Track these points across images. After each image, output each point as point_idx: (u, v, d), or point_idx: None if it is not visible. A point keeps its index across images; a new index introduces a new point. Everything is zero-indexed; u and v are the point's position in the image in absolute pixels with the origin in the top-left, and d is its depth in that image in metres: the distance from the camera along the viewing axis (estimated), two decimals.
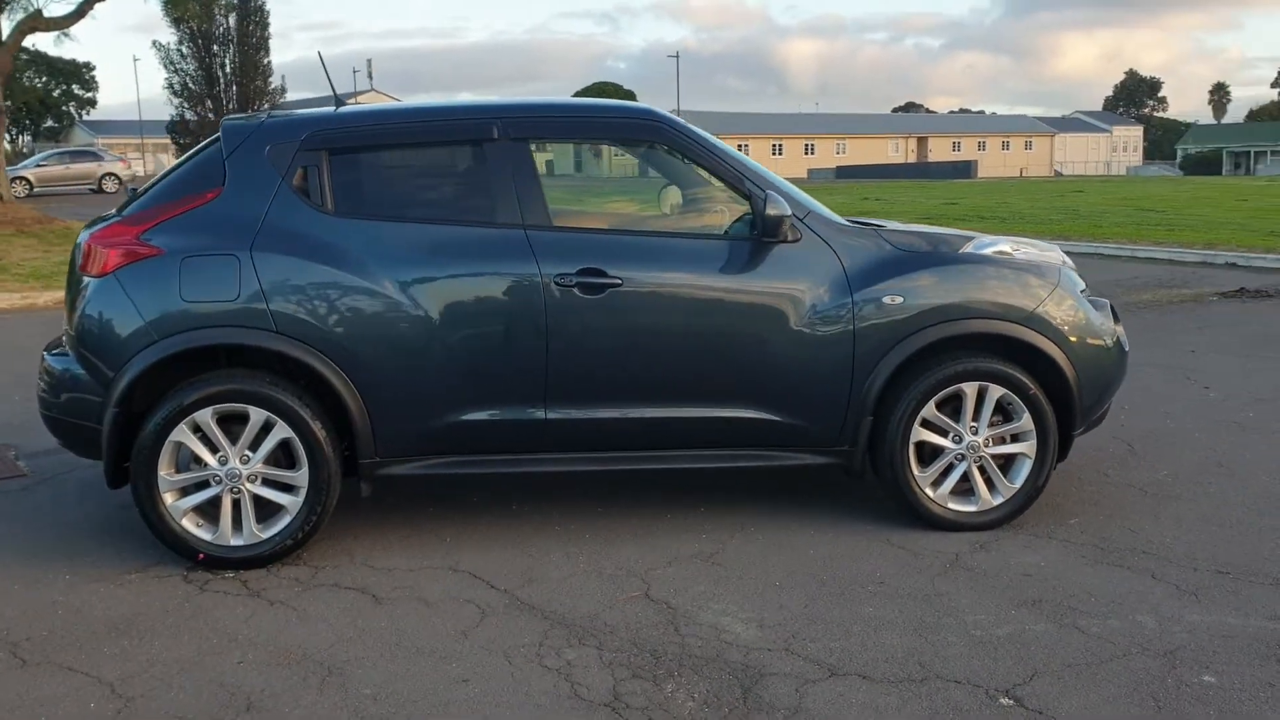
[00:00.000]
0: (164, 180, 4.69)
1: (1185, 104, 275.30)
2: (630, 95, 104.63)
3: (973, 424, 4.71)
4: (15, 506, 5.27)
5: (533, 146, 4.62)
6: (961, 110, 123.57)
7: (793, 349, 4.57)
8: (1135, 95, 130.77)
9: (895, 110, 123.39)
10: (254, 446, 4.37)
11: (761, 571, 4.34)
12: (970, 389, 4.68)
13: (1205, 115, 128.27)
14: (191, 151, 4.83)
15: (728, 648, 3.70)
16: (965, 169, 58.77)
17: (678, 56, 71.28)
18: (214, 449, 4.36)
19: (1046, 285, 4.76)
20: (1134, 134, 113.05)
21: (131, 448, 4.31)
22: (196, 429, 4.33)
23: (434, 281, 4.42)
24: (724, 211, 4.78)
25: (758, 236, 4.55)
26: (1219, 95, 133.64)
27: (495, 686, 3.46)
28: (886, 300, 4.60)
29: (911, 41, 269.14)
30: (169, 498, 4.35)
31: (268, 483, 4.41)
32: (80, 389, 4.39)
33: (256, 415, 4.33)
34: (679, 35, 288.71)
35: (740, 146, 78.07)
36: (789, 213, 4.49)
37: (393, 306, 4.38)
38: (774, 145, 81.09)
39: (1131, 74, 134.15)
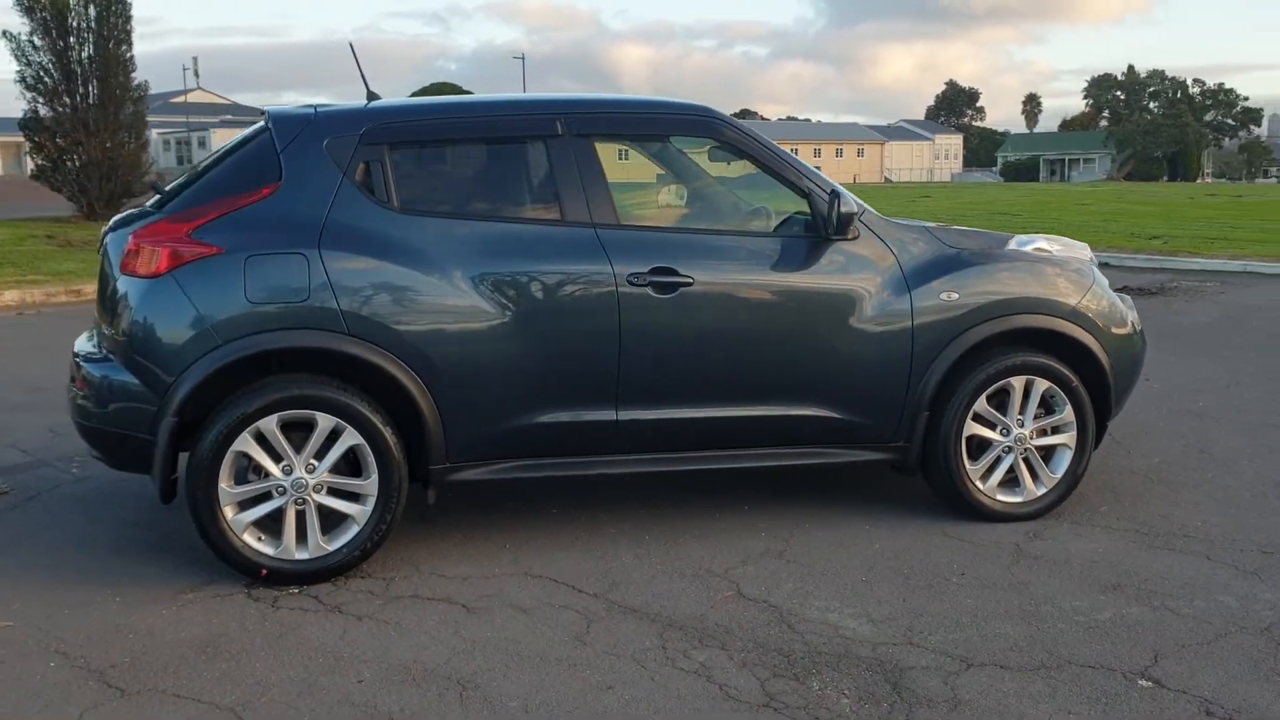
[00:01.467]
0: (206, 175, 4.42)
1: (999, 113, 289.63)
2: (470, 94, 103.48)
3: (1019, 417, 4.84)
4: (17, 526, 4.87)
5: (596, 142, 4.53)
6: (789, 118, 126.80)
7: (855, 346, 4.61)
8: (955, 104, 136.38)
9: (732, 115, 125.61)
10: (319, 455, 4.16)
11: (839, 567, 4.36)
12: (1019, 383, 4.81)
13: (1018, 124, 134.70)
14: (231, 145, 4.56)
15: (852, 643, 3.70)
16: None
17: (523, 58, 70.77)
18: (277, 458, 4.12)
19: (1085, 280, 4.94)
20: (954, 142, 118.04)
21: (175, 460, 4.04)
22: (260, 438, 4.09)
23: (508, 280, 4.28)
24: (771, 210, 4.79)
25: (826, 234, 4.57)
26: (1031, 105, 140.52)
27: (642, 692, 3.38)
28: (943, 297, 4.68)
29: (740, 49, 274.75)
30: (229, 511, 4.09)
31: (333, 492, 4.20)
32: (130, 398, 4.09)
33: (325, 422, 4.12)
34: (510, 36, 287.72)
35: None
36: (857, 210, 4.53)
37: (466, 306, 4.23)
38: (619, 151, 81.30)
39: (952, 84, 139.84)
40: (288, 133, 4.32)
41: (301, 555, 4.16)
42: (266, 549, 4.14)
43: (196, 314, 4.03)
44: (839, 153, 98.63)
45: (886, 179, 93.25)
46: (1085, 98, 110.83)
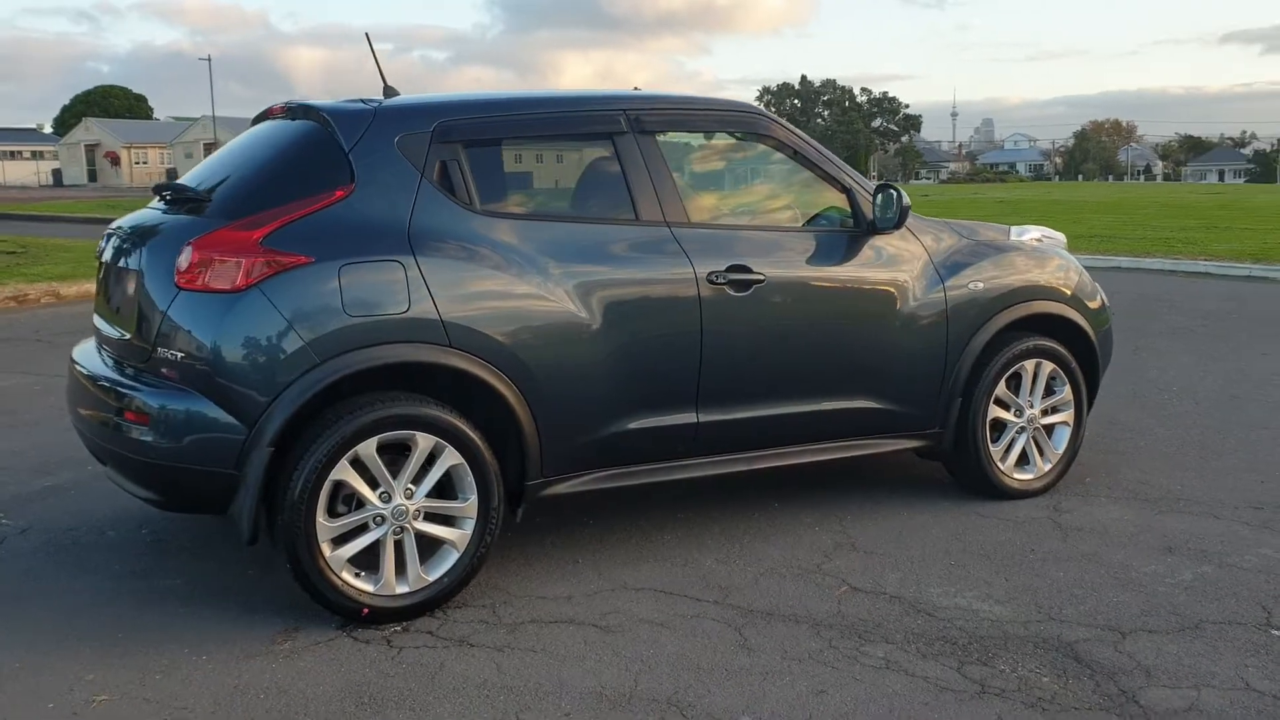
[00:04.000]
0: (244, 177, 3.98)
1: None
2: (141, 99, 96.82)
3: (1029, 398, 5.12)
4: (38, 574, 4.19)
5: (660, 138, 4.40)
6: None
7: (902, 337, 4.73)
8: None
9: None
10: (416, 479, 3.83)
11: (917, 554, 4.45)
12: (1030, 366, 5.08)
13: None
14: (276, 143, 4.11)
15: (1000, 624, 3.80)
16: None
17: (209, 60, 66.98)
18: (373, 485, 3.77)
19: (1074, 268, 5.29)
20: None
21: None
22: (357, 464, 3.72)
23: (597, 283, 4.09)
24: (808, 205, 4.83)
25: (876, 228, 4.65)
26: None
27: (858, 692, 3.33)
28: (971, 286, 4.88)
29: (419, 53, 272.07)
30: (326, 549, 3.70)
31: (430, 517, 3.88)
32: (210, 429, 3.60)
33: (425, 442, 3.79)
34: (171, 37, 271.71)
35: None
36: (909, 204, 4.64)
37: (559, 311, 4.01)
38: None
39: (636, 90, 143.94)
40: (353, 130, 3.95)
41: (402, 589, 3.81)
42: (366, 586, 3.77)
43: (290, 331, 3.61)
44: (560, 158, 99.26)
45: None
46: (769, 105, 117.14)
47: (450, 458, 3.84)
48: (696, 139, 4.64)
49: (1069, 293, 5.17)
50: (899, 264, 4.74)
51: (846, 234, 4.70)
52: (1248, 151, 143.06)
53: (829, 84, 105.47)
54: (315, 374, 3.62)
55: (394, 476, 3.77)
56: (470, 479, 3.88)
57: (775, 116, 4.70)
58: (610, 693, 3.33)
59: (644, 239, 4.23)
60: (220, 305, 3.61)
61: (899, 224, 4.62)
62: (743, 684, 3.38)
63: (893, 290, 4.70)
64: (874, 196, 4.66)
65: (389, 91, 4.42)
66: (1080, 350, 5.25)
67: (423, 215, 3.89)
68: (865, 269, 4.66)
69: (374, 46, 4.58)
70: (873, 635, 3.72)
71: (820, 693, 3.33)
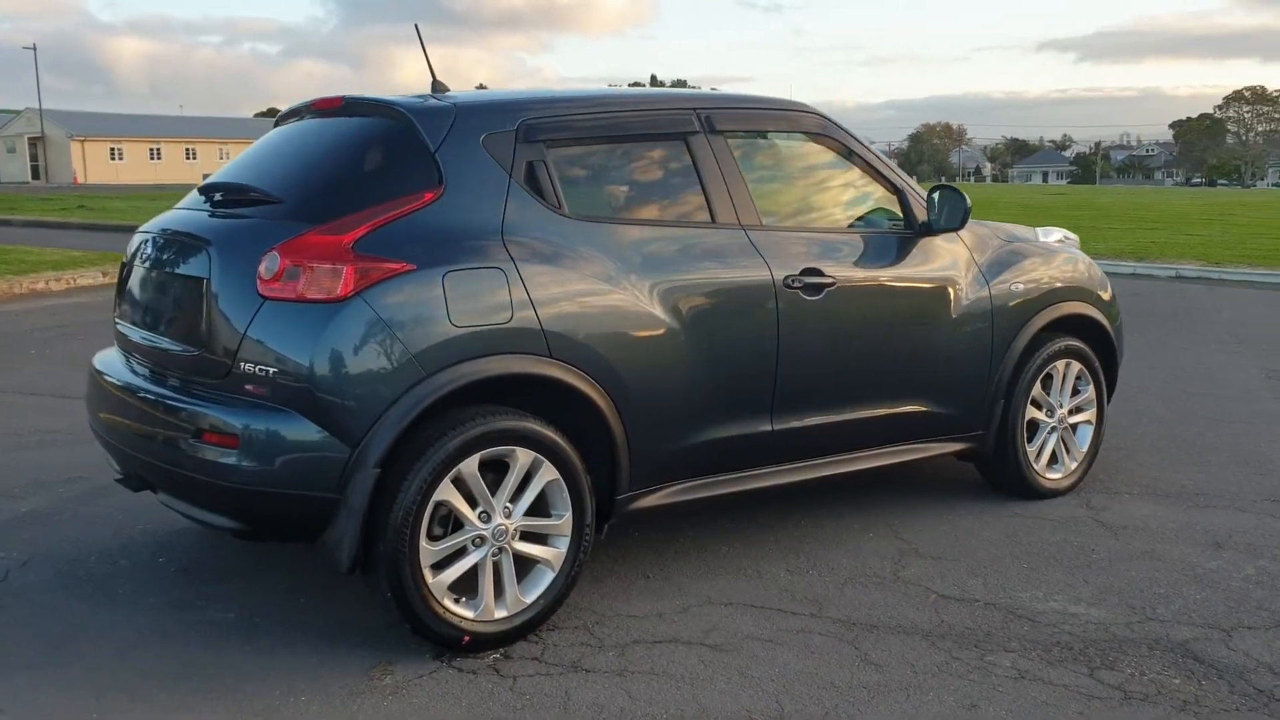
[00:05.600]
0: (330, 177, 3.69)
1: None
2: None
3: (1059, 398, 5.17)
4: (68, 612, 3.76)
5: (729, 139, 4.26)
6: None
7: (955, 339, 4.70)
8: None
9: (259, 115, 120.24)
10: (514, 496, 3.61)
11: (986, 557, 4.43)
12: (1060, 366, 5.13)
13: None
14: (345, 140, 3.81)
15: (1107, 627, 3.78)
16: None
17: (34, 48, 63.41)
18: (473, 505, 3.53)
19: (1095, 268, 5.36)
20: None
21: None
22: (458, 482, 3.48)
23: (682, 288, 3.93)
24: (861, 206, 4.76)
25: (934, 229, 4.62)
26: None
27: (1006, 705, 3.26)
28: (1013, 288, 4.89)
29: (249, 46, 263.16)
30: (428, 575, 3.44)
31: (525, 536, 3.66)
32: (308, 449, 3.30)
33: (524, 457, 3.57)
34: None
35: (116, 150, 71.66)
36: (971, 205, 4.61)
37: (647, 318, 3.84)
38: (151, 149, 75.27)
39: (481, 89, 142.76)
40: (437, 127, 3.69)
41: (500, 613, 3.58)
42: (466, 611, 3.52)
43: (397, 342, 3.34)
44: None
45: None
46: None
47: (547, 473, 3.63)
48: (754, 139, 4.50)
49: (1094, 293, 5.25)
50: (951, 265, 4.72)
51: (900, 235, 4.65)
52: (1069, 154, 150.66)
53: (680, 84, 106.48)
54: (422, 388, 3.36)
55: (495, 495, 3.55)
56: (565, 495, 3.68)
57: (830, 117, 4.61)
58: (761, 715, 3.19)
59: (722, 243, 4.09)
60: (319, 316, 3.31)
61: (962, 225, 4.60)
62: (888, 701, 3.28)
63: (948, 291, 4.68)
64: (932, 196, 4.62)
65: (438, 87, 4.16)
66: (1102, 350, 5.33)
67: (514, 219, 3.66)
68: (922, 270, 4.62)
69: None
70: (989, 644, 3.67)
71: (973, 707, 3.25)
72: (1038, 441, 5.11)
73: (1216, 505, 5.08)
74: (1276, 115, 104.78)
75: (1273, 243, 18.23)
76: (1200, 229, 23.52)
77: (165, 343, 3.71)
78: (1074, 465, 5.26)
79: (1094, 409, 5.32)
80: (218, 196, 3.82)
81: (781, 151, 4.65)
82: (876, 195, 4.71)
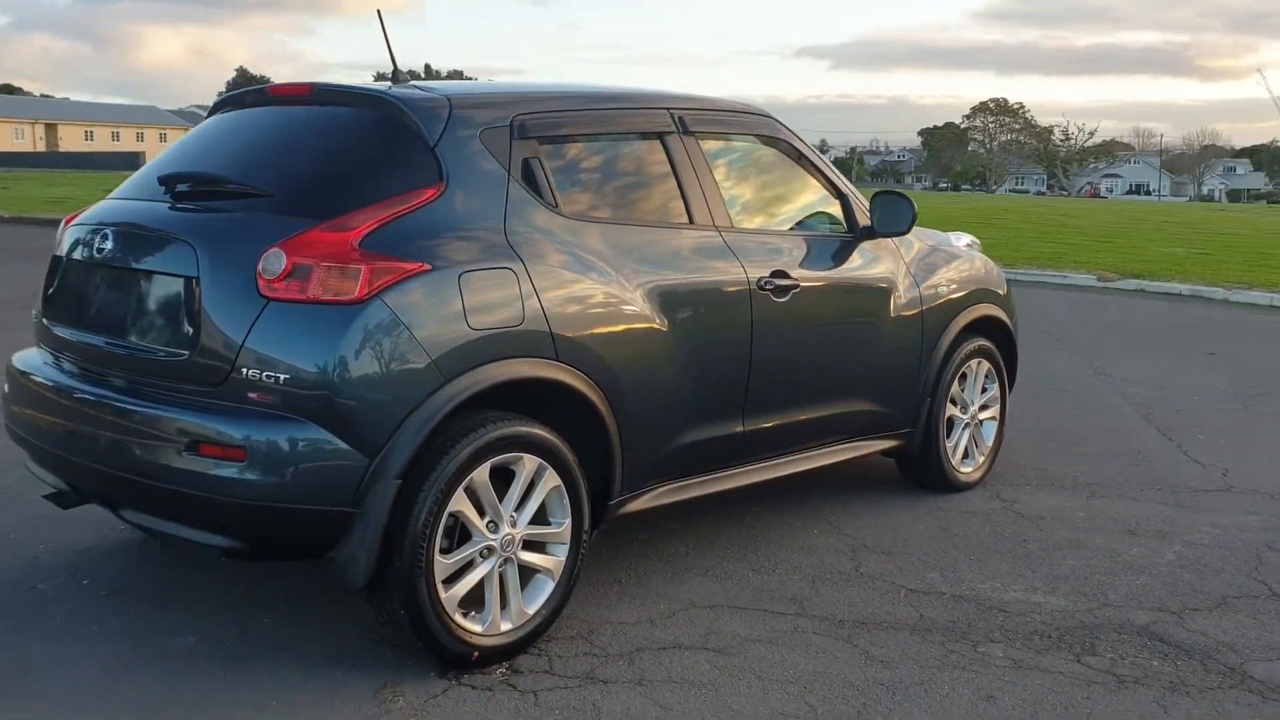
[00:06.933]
0: (321, 169, 3.45)
1: None
2: None
3: (972, 396, 5.41)
4: (6, 645, 3.36)
5: (700, 140, 4.24)
6: (44, 95, 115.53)
7: (893, 340, 4.84)
8: None
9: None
10: (519, 505, 3.49)
11: (933, 551, 4.56)
12: (974, 365, 5.37)
13: None
14: (328, 131, 3.57)
15: (1073, 614, 3.97)
16: (134, 160, 55.47)
17: None
18: (481, 514, 3.39)
19: (996, 270, 5.63)
20: None
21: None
22: (470, 491, 3.33)
23: (669, 288, 3.89)
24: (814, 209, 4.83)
25: (877, 233, 4.74)
26: None
27: (1022, 693, 3.37)
28: (938, 290, 5.08)
29: None
30: (441, 590, 3.28)
31: (527, 545, 3.54)
32: (326, 459, 3.07)
33: (530, 464, 3.46)
34: None
35: None
36: (917, 211, 4.74)
37: (643, 320, 3.77)
38: None
39: (242, 71, 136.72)
40: (435, 121, 3.50)
41: (506, 626, 3.45)
42: (475, 626, 3.38)
43: (416, 346, 3.16)
44: (140, 136, 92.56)
45: None
46: None
47: (550, 480, 3.52)
48: (718, 140, 4.49)
49: (999, 294, 5.51)
50: (892, 268, 4.85)
51: (843, 239, 4.75)
52: (829, 158, 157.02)
53: (456, 75, 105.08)
54: (442, 394, 3.19)
55: (502, 503, 3.42)
56: (565, 501, 3.58)
57: (782, 122, 4.66)
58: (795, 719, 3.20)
59: (701, 243, 4.08)
60: (336, 318, 3.09)
61: (908, 230, 4.73)
62: (910, 697, 3.34)
63: (890, 293, 4.81)
64: (877, 200, 4.74)
65: (399, 77, 3.95)
66: (1005, 349, 5.60)
67: (515, 218, 3.53)
68: (870, 273, 4.74)
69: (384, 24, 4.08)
70: (975, 636, 3.79)
71: (990, 698, 3.36)
72: (954, 437, 5.33)
73: (1110, 495, 5.42)
74: (1016, 126, 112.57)
75: (1053, 247, 19.59)
76: (978, 233, 24.99)
77: (129, 346, 3.39)
78: (982, 459, 5.51)
79: (998, 406, 5.58)
80: (181, 188, 3.51)
81: (738, 154, 4.67)
82: (822, 198, 4.79)
